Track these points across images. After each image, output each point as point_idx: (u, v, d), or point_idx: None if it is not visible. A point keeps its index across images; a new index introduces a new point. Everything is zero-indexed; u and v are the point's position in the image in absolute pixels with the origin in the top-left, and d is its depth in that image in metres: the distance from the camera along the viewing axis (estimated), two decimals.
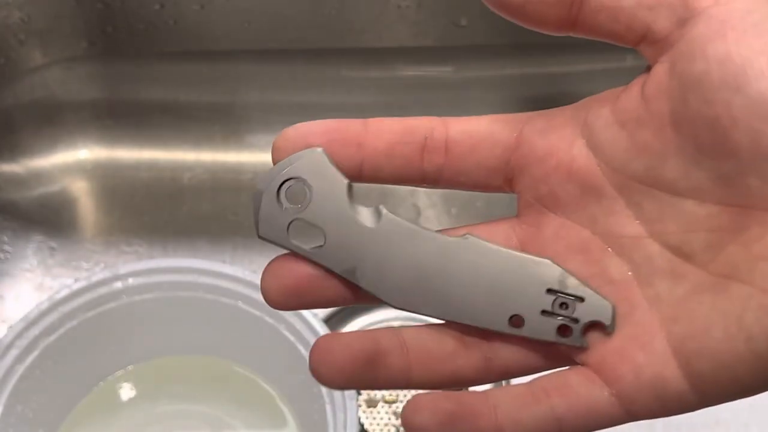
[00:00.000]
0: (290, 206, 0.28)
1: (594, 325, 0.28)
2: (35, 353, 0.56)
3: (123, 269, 0.58)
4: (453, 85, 0.72)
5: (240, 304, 0.58)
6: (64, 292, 0.57)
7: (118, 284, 0.58)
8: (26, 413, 0.56)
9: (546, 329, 0.28)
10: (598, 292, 0.28)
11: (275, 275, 0.28)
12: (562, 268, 0.28)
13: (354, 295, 0.29)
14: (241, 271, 0.57)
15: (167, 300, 0.59)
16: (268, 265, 0.29)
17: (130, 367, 0.61)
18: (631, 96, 0.27)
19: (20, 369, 0.55)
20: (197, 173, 0.73)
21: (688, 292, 0.27)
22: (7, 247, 0.69)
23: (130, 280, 0.58)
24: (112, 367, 0.61)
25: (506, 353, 0.29)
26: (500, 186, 0.30)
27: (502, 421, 0.28)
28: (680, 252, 0.27)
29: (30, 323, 0.56)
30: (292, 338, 0.56)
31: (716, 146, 0.25)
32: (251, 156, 0.73)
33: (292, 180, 0.28)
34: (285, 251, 0.29)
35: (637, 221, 0.28)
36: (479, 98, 0.72)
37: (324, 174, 0.28)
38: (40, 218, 0.70)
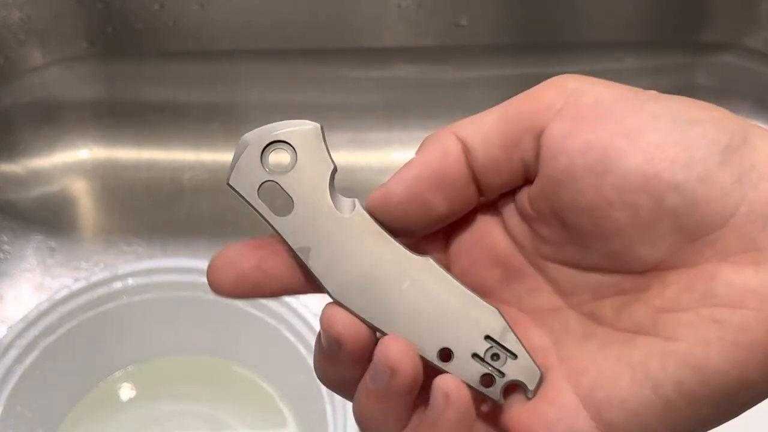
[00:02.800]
0: (270, 167, 0.28)
1: (516, 387, 0.28)
2: (35, 353, 0.56)
3: (122, 269, 0.58)
4: (453, 85, 0.72)
5: (240, 304, 0.58)
6: (64, 293, 0.57)
7: (118, 284, 0.58)
8: (26, 413, 0.56)
9: (471, 373, 0.28)
10: (532, 358, 0.28)
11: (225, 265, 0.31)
12: (507, 323, 0.28)
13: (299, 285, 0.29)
14: None
15: (167, 300, 0.59)
16: (218, 255, 0.30)
17: (129, 367, 0.61)
18: (523, 196, 0.29)
19: (20, 369, 0.55)
20: (197, 173, 0.73)
21: (595, 348, 0.28)
22: (6, 247, 0.69)
23: (130, 281, 0.58)
24: (111, 367, 0.61)
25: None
26: None
27: None
28: (593, 317, 0.29)
29: (29, 323, 0.56)
30: (292, 338, 0.56)
31: (599, 229, 0.27)
32: None
33: (281, 143, 0.28)
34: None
35: (557, 295, 0.29)
36: (479, 98, 0.72)
37: (314, 149, 0.28)
38: (40, 218, 0.70)
